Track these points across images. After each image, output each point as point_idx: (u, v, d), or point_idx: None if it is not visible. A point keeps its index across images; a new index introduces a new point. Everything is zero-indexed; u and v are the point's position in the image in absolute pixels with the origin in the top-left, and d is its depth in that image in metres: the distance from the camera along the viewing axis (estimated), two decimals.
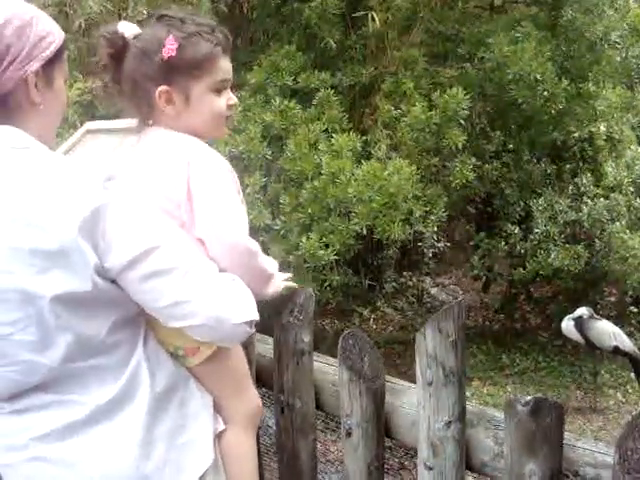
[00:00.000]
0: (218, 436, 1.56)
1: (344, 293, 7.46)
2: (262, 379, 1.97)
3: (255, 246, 1.60)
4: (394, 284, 9.38)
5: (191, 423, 1.51)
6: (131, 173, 1.59)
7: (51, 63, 1.44)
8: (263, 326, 1.77)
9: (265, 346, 1.99)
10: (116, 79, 1.62)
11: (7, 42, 1.36)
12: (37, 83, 1.41)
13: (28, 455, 1.41)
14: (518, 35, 6.22)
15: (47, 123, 1.48)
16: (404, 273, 9.54)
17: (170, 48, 1.57)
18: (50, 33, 1.44)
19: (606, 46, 6.71)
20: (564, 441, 1.39)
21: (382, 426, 1.68)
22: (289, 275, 1.79)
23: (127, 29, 1.60)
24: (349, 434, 1.67)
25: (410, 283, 9.62)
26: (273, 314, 1.86)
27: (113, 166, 1.59)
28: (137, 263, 1.35)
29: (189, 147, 1.58)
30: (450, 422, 1.50)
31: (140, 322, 1.48)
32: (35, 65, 1.40)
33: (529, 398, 1.30)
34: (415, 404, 1.59)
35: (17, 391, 1.40)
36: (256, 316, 1.47)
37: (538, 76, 5.93)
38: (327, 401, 1.84)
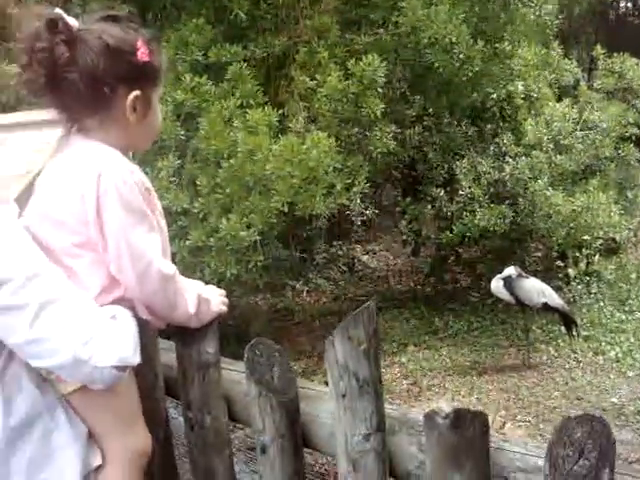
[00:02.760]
0: (95, 472, 1.43)
1: (275, 268, 7.32)
2: (172, 391, 1.82)
3: (170, 270, 1.48)
4: (325, 255, 9.31)
5: (58, 456, 1.38)
6: (40, 186, 1.49)
7: None
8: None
9: (172, 355, 1.83)
10: (54, 70, 1.40)
11: None
12: None
13: None
14: None
15: None
16: (334, 243, 9.46)
17: (144, 52, 1.45)
18: None
19: (520, 5, 6.68)
20: (492, 445, 1.28)
21: (299, 439, 1.55)
22: (223, 296, 1.65)
23: (71, 20, 1.43)
24: (264, 450, 1.53)
25: (341, 252, 9.58)
26: None
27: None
28: None
29: (104, 161, 1.43)
30: (369, 434, 1.37)
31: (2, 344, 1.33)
32: None
33: (449, 410, 1.18)
34: (332, 412, 1.47)
35: None
36: (130, 360, 1.34)
37: (453, 39, 5.83)
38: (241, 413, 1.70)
